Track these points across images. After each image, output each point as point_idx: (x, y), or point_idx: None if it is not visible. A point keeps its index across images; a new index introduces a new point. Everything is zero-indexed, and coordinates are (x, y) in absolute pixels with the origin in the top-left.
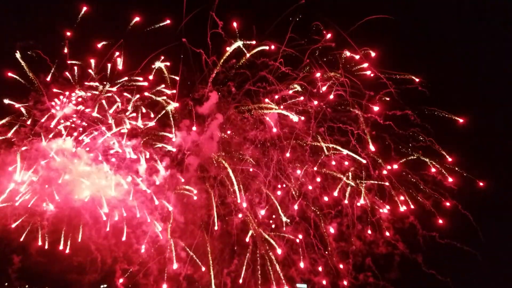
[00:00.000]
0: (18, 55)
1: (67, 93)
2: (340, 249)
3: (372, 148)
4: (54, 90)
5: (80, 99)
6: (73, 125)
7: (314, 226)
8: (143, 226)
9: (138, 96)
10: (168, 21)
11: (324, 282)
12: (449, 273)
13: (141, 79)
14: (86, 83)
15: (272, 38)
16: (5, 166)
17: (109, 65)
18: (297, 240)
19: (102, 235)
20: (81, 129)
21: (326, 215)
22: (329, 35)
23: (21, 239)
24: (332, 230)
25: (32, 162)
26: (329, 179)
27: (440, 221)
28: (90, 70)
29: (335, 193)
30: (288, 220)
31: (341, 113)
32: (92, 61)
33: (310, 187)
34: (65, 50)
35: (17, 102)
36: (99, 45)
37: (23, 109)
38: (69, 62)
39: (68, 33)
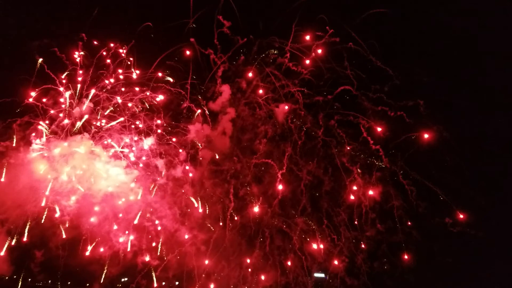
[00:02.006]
0: (35, 55)
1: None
2: (354, 238)
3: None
4: (70, 89)
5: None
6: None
7: (327, 216)
8: (163, 220)
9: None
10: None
11: (340, 271)
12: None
13: None
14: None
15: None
16: (25, 164)
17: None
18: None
19: (122, 230)
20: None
21: (340, 205)
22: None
23: (43, 235)
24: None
25: (51, 160)
26: (341, 170)
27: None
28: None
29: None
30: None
31: (348, 106)
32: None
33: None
34: (79, 52)
35: (35, 101)
36: (112, 45)
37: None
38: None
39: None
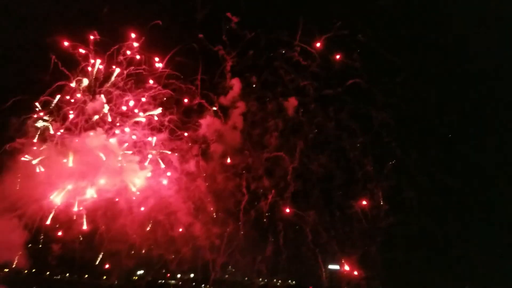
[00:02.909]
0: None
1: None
2: (367, 228)
3: None
4: (83, 85)
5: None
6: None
7: (339, 208)
8: (177, 214)
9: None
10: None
11: (353, 262)
12: None
13: None
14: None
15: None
16: (41, 161)
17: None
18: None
19: (138, 223)
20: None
21: (353, 198)
22: None
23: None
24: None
25: (66, 156)
26: (353, 163)
27: None
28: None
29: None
30: None
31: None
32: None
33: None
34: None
35: (50, 97)
36: (123, 43)
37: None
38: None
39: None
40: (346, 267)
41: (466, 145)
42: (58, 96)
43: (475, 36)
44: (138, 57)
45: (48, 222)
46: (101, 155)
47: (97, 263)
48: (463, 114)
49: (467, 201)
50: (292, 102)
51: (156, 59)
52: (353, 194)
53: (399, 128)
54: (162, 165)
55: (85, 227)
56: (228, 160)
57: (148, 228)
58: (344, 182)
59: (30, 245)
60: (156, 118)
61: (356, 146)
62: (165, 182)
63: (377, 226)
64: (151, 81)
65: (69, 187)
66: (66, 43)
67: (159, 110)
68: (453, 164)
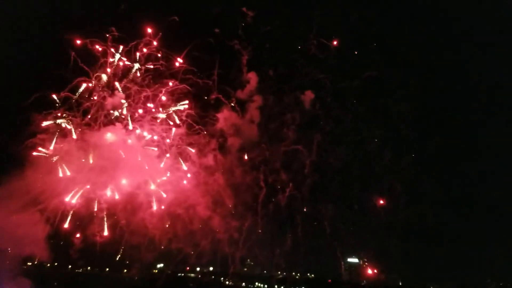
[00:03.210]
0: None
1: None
2: (386, 222)
3: None
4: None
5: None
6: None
7: (357, 201)
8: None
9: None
10: None
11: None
12: None
13: None
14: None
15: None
16: (62, 156)
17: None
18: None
19: (157, 217)
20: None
21: (371, 191)
22: None
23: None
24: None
25: (86, 151)
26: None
27: None
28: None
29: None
30: None
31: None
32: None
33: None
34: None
35: (70, 94)
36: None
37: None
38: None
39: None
40: (365, 261)
41: (487, 136)
42: (82, 87)
43: (493, 25)
44: (155, 53)
45: (69, 216)
46: (120, 151)
47: (118, 256)
48: (484, 105)
49: (488, 194)
50: (308, 95)
51: (174, 55)
52: (371, 187)
53: (418, 120)
54: (184, 167)
55: (105, 222)
56: (246, 156)
57: (167, 223)
58: (362, 175)
59: (52, 239)
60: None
61: (374, 139)
62: (185, 181)
63: (396, 219)
64: (168, 77)
65: (89, 182)
66: (84, 40)
67: (185, 103)
68: (474, 155)
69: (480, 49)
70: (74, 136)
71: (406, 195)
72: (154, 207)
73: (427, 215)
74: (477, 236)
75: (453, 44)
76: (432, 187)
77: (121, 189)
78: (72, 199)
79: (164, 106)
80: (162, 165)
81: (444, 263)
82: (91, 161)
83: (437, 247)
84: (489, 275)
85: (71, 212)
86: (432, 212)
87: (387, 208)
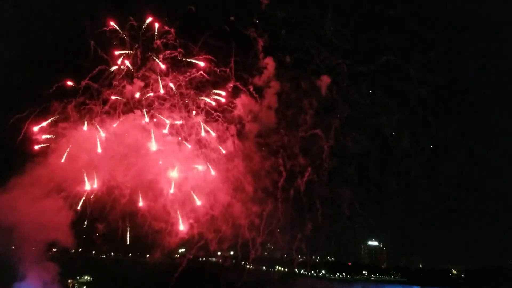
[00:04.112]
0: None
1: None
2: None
3: None
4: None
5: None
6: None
7: (375, 184)
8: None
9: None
10: None
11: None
12: None
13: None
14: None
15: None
16: (82, 144)
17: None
18: None
19: (178, 203)
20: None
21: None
22: None
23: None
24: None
25: (107, 139)
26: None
27: None
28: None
29: None
30: None
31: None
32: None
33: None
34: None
35: (90, 82)
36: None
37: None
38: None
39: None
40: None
41: (507, 119)
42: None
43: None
44: (173, 42)
45: (90, 203)
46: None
47: (140, 241)
48: (503, 89)
49: (507, 176)
50: (325, 81)
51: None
52: (389, 171)
53: (436, 104)
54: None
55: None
56: (264, 142)
57: (188, 208)
58: (380, 158)
59: (75, 225)
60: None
61: (392, 122)
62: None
63: (415, 202)
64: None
65: (110, 169)
66: (104, 29)
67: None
68: (493, 138)
69: (499, 31)
70: (85, 128)
71: (425, 178)
72: (171, 191)
73: (447, 197)
74: (499, 217)
75: (471, 27)
76: (451, 169)
77: (142, 175)
78: (93, 186)
79: (182, 95)
80: (181, 151)
81: (465, 244)
82: (99, 150)
83: (458, 229)
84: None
85: (93, 198)
86: (452, 194)
87: (406, 191)
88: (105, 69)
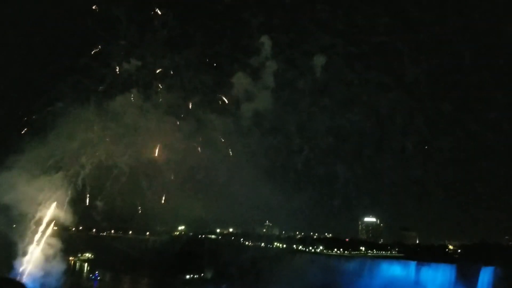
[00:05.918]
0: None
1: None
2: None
3: None
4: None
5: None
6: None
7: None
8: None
9: None
10: None
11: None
12: None
13: None
14: None
15: None
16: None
17: None
18: None
19: (177, 181)
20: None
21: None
22: None
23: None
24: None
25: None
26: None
27: None
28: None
29: None
30: None
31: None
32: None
33: None
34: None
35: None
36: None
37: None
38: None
39: None
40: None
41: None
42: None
43: None
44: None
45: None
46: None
47: (140, 219)
48: (496, 66)
49: (501, 151)
50: (320, 60)
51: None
52: (384, 148)
53: (430, 82)
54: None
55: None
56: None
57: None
58: (375, 136)
59: (74, 203)
60: None
61: (386, 101)
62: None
63: (411, 178)
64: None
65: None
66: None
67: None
68: (486, 113)
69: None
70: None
71: (420, 154)
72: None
73: (442, 173)
74: (495, 194)
75: (465, 7)
76: (445, 146)
77: (139, 154)
78: (91, 165)
79: (180, 74)
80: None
81: (461, 220)
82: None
83: (454, 205)
84: (508, 232)
85: (92, 177)
86: (447, 170)
87: (401, 167)
88: (102, 49)
